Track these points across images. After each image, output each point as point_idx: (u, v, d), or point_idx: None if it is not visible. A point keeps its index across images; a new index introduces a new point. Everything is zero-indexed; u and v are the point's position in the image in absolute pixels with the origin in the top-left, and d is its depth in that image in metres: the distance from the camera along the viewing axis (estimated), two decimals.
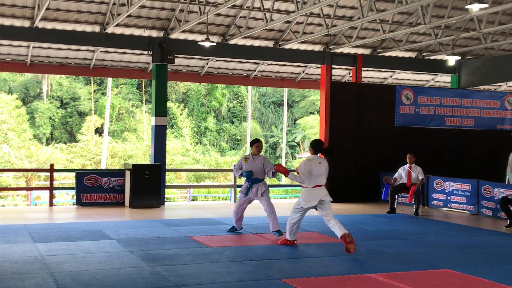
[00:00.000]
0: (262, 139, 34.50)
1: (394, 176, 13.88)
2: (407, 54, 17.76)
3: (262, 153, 10.04)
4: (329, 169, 8.74)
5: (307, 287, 6.33)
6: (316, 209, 8.58)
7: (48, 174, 15.00)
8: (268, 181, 10.03)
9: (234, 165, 10.10)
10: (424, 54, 17.77)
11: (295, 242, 8.87)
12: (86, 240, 9.05)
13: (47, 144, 36.22)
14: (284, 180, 35.09)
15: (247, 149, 38.23)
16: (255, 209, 12.79)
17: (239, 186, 16.61)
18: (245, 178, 9.84)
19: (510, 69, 17.32)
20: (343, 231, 8.17)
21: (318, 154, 8.66)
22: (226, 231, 10.20)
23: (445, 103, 17.16)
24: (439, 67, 18.31)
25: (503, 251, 8.88)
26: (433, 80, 20.35)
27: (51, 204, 14.28)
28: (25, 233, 9.66)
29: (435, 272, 7.22)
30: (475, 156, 17.28)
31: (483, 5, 11.06)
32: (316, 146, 8.62)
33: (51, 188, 14.46)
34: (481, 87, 19.41)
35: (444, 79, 20.24)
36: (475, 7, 11.23)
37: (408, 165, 13.62)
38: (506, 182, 14.27)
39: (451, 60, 16.69)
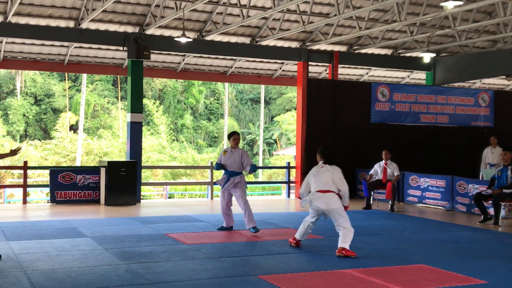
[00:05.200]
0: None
1: (370, 173, 13.97)
2: (383, 51, 17.88)
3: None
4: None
5: (283, 283, 6.33)
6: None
7: (22, 171, 14.79)
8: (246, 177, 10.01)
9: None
10: (400, 51, 17.90)
11: (299, 242, 8.42)
12: (61, 238, 8.94)
13: (21, 141, 35.71)
14: (261, 177, 35.14)
15: (224, 146, 38.15)
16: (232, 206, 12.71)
17: (216, 183, 16.59)
18: (223, 171, 9.77)
19: (484, 67, 17.55)
20: (340, 245, 7.79)
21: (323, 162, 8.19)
22: (217, 229, 10.04)
23: (420, 100, 17.32)
24: (414, 64, 18.47)
25: (477, 246, 8.98)
26: (408, 77, 20.53)
27: (24, 202, 14.10)
28: None
29: (410, 267, 7.28)
30: (450, 153, 17.47)
31: (458, 3, 11.17)
32: (320, 153, 8.28)
33: (24, 186, 14.26)
34: (456, 84, 19.62)
35: (420, 76, 20.43)
36: (449, 5, 11.34)
37: (383, 161, 13.71)
38: (480, 178, 14.46)
39: (426, 57, 16.85)
